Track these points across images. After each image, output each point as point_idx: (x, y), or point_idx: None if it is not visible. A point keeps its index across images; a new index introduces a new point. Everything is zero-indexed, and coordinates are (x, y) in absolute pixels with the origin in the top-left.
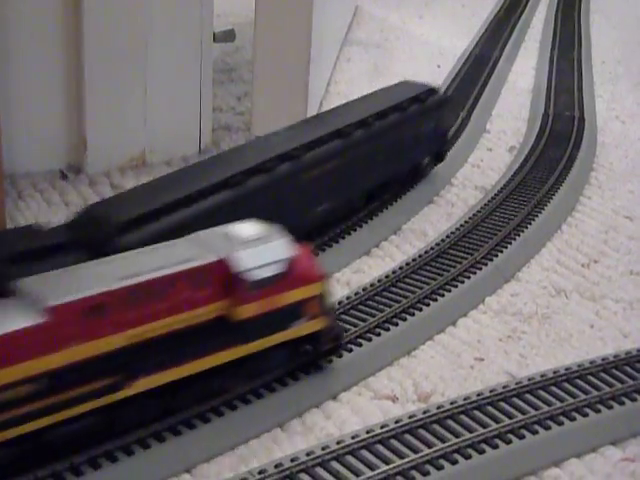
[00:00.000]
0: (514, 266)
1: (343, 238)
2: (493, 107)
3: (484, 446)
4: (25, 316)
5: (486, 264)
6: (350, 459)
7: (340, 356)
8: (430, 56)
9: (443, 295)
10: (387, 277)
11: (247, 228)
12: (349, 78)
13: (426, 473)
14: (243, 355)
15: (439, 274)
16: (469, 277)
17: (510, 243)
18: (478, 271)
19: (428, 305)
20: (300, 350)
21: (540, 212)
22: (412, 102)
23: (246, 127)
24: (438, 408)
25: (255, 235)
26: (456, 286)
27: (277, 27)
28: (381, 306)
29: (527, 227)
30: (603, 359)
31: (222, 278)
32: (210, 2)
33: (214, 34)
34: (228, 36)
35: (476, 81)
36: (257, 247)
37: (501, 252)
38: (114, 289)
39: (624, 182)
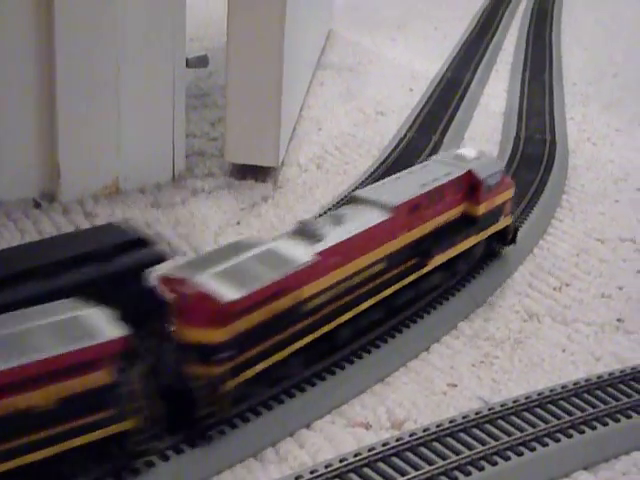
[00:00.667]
0: (487, 291)
1: None
2: (465, 130)
3: (457, 473)
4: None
5: (459, 290)
6: None
7: (313, 384)
8: (403, 79)
9: (416, 322)
10: None
11: (469, 151)
12: (322, 102)
13: None
14: (476, 242)
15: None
16: (442, 303)
17: (483, 268)
18: (451, 297)
19: (401, 332)
20: (493, 241)
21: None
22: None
23: (220, 153)
24: (411, 435)
25: (477, 155)
26: (429, 312)
27: (249, 52)
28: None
29: (500, 251)
30: (575, 383)
31: (468, 185)
32: (182, 28)
33: (187, 60)
34: (201, 62)
35: (448, 104)
36: (483, 163)
37: (474, 278)
38: (424, 192)
39: (595, 204)
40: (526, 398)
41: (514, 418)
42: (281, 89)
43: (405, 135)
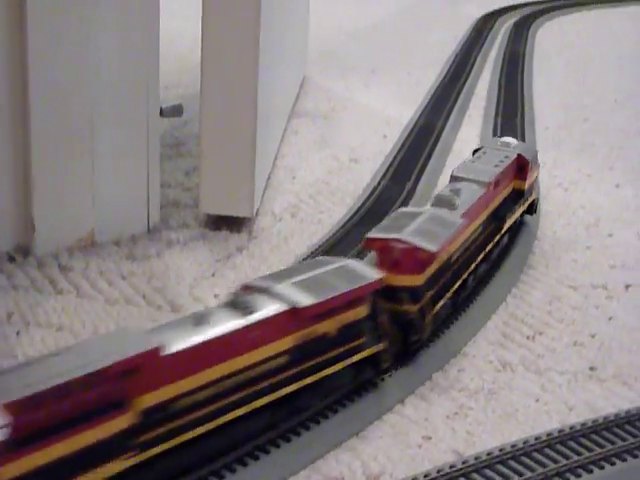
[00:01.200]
0: (461, 341)
1: None
2: (439, 177)
3: None
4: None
5: (433, 340)
6: None
7: (288, 440)
8: (376, 126)
9: (391, 374)
10: None
11: (511, 139)
12: (297, 151)
13: None
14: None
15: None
16: (416, 354)
17: (457, 318)
18: (425, 348)
19: (376, 385)
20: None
21: (486, 284)
22: None
23: (195, 203)
24: None
25: (514, 142)
26: (404, 364)
27: (222, 101)
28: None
29: (473, 300)
30: (548, 434)
31: (518, 166)
32: (156, 77)
33: (161, 109)
34: (176, 111)
35: (422, 151)
36: (525, 147)
37: (448, 328)
38: (499, 172)
39: (567, 251)
40: (500, 450)
41: (488, 471)
42: (255, 139)
43: (379, 183)
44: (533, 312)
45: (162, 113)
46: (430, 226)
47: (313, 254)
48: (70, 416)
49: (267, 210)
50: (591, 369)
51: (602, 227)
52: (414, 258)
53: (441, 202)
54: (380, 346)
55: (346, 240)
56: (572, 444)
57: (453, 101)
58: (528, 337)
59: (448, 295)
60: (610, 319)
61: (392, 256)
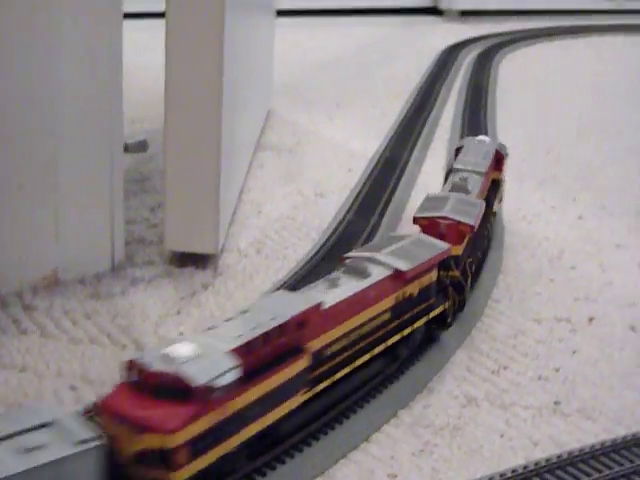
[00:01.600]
0: (426, 376)
1: None
2: (403, 211)
3: None
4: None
5: (398, 377)
6: None
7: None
8: (341, 159)
9: (356, 411)
10: None
11: (485, 137)
12: (262, 185)
13: None
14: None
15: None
16: (381, 391)
17: (422, 354)
18: (390, 384)
19: (341, 423)
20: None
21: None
22: None
23: (160, 240)
24: None
25: (488, 140)
26: (369, 401)
27: (186, 135)
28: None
29: (438, 335)
30: (513, 471)
31: (496, 159)
32: (120, 111)
33: (126, 145)
34: (141, 146)
35: (386, 184)
36: (499, 144)
37: (413, 364)
38: (489, 161)
39: (532, 284)
40: None
41: None
42: (219, 174)
43: (344, 217)
44: (498, 346)
45: (127, 149)
46: (461, 206)
47: (279, 290)
48: (270, 359)
49: (232, 246)
50: (555, 403)
51: (565, 259)
52: (457, 231)
53: (458, 188)
54: (446, 305)
55: (312, 275)
56: None
57: (418, 133)
58: (493, 371)
59: (476, 260)
60: (574, 352)
61: (439, 230)
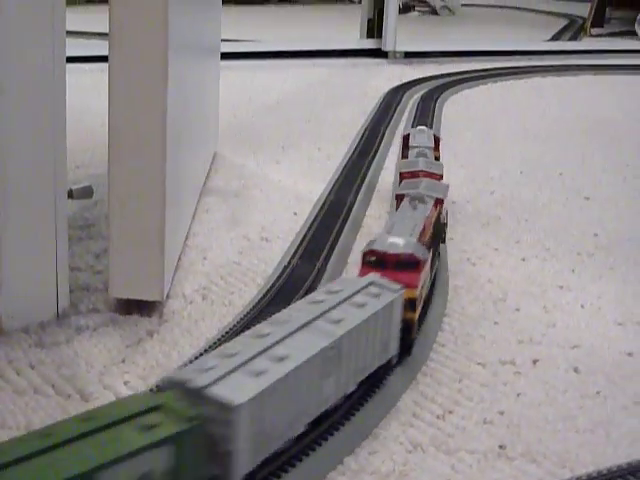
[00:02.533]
0: (371, 422)
1: None
2: (349, 255)
3: None
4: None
5: (343, 423)
6: None
7: None
8: (287, 203)
9: (301, 460)
10: None
11: (423, 127)
12: (208, 230)
13: None
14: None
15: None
16: (327, 438)
17: (367, 400)
18: (336, 431)
19: (287, 471)
20: None
21: (396, 363)
22: None
23: (105, 287)
24: None
25: (426, 129)
26: (314, 449)
27: (130, 181)
28: None
29: (382, 381)
30: None
31: (435, 141)
32: (63, 156)
33: (71, 191)
34: (85, 193)
35: (332, 228)
36: (432, 131)
37: (357, 410)
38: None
39: (476, 327)
40: None
41: None
42: (164, 220)
43: (289, 262)
44: (443, 390)
45: (71, 195)
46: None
47: (224, 337)
48: None
49: (178, 292)
50: (500, 447)
51: (509, 302)
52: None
53: (421, 155)
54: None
55: (257, 320)
56: None
57: (363, 176)
58: (438, 416)
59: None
60: (518, 395)
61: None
